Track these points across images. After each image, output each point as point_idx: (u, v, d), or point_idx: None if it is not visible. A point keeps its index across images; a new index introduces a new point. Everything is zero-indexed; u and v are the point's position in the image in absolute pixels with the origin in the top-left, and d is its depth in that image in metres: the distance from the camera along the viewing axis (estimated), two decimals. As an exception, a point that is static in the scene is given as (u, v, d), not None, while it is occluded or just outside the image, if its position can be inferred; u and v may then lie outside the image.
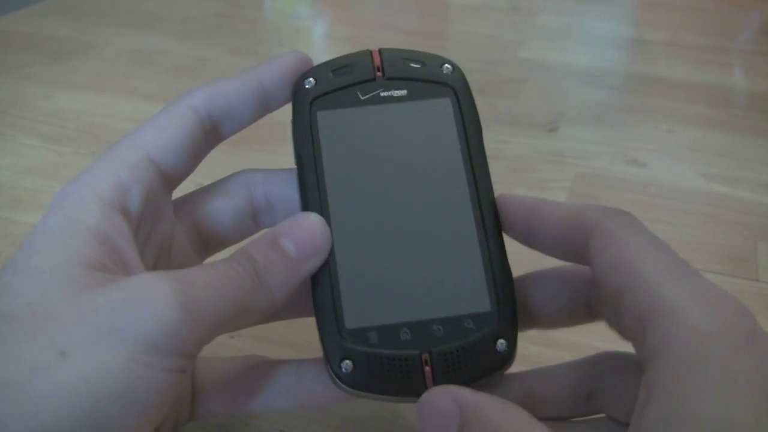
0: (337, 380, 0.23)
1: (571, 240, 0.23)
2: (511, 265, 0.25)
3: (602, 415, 0.25)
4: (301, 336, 0.36)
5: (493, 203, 0.25)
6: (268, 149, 0.53)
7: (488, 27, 0.84)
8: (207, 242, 0.28)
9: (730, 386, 0.18)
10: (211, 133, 0.26)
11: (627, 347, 0.24)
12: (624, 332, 0.22)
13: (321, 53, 0.71)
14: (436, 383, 0.23)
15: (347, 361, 0.23)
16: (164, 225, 0.25)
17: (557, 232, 0.23)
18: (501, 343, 0.24)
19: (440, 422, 0.21)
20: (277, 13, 0.93)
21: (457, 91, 0.27)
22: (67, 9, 0.85)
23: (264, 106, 0.26)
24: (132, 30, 0.79)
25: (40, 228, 0.21)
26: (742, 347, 0.18)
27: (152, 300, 0.19)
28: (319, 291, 0.24)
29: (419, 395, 0.22)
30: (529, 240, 0.25)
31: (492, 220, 0.25)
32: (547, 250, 0.24)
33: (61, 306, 0.19)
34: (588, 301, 0.25)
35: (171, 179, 0.25)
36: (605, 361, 0.25)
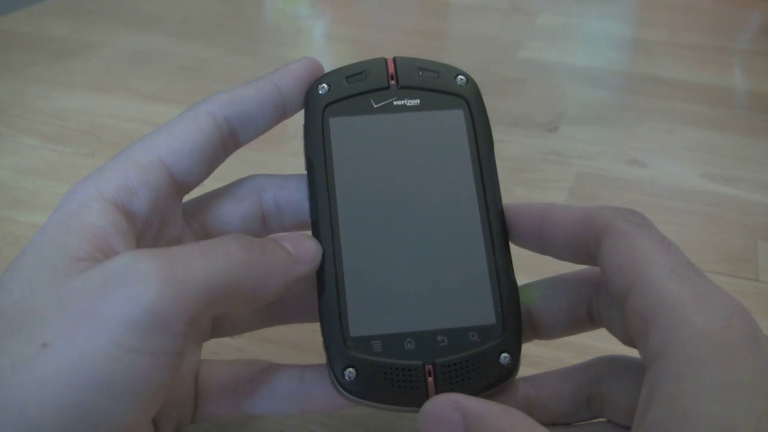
0: (340, 388, 0.23)
1: (584, 241, 0.23)
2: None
3: (603, 419, 0.25)
4: (301, 336, 0.36)
5: (501, 216, 0.25)
6: (267, 149, 0.53)
7: (488, 27, 0.84)
8: None
9: (731, 387, 0.18)
10: (228, 140, 0.26)
11: (626, 350, 0.24)
12: (628, 335, 0.22)
13: (321, 53, 0.71)
14: (438, 394, 0.23)
15: (350, 369, 0.23)
16: (173, 229, 0.25)
17: (570, 234, 0.23)
18: (504, 357, 0.24)
19: (444, 430, 0.21)
20: (277, 13, 0.93)
21: (470, 102, 0.27)
22: (67, 9, 0.85)
23: (281, 111, 0.26)
24: (132, 30, 0.79)
25: (43, 226, 0.22)
26: (743, 349, 0.18)
27: (130, 278, 0.19)
28: (325, 297, 0.24)
29: (421, 406, 0.22)
30: (541, 244, 0.25)
31: (500, 233, 0.25)
32: (558, 253, 0.24)
33: (45, 298, 0.19)
34: (589, 308, 0.25)
35: (183, 184, 0.25)
36: (604, 365, 0.25)
